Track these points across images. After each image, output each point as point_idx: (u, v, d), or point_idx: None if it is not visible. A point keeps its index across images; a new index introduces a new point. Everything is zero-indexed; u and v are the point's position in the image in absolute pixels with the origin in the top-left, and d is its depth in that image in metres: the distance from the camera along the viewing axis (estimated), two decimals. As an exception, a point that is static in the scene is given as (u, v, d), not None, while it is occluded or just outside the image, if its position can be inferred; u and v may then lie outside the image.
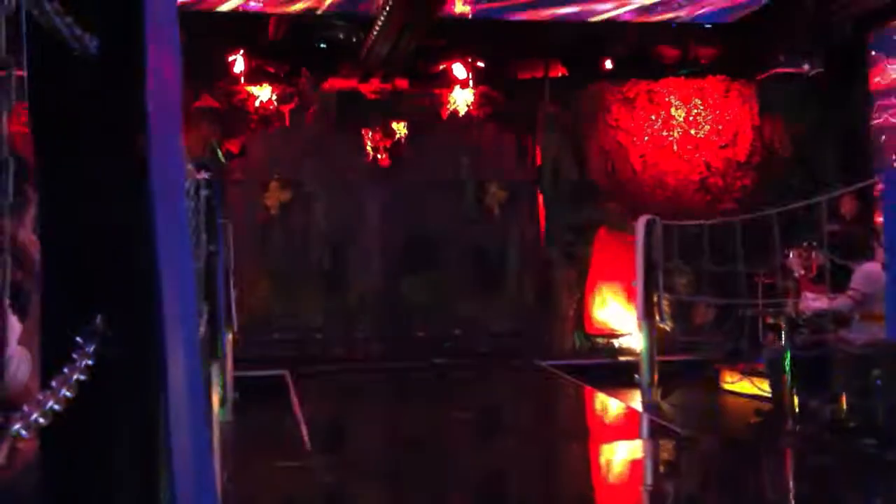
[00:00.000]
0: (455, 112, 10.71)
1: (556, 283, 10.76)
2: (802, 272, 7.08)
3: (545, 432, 7.46)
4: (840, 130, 10.85)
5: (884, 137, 10.25)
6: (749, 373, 8.00)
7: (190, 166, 3.46)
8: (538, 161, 10.81)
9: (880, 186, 6.54)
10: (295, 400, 7.88)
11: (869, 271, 6.26)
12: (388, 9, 8.62)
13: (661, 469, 6.15)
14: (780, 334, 6.84)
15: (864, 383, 6.06)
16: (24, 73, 1.09)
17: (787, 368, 6.47)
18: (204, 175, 3.94)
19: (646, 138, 11.01)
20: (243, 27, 10.11)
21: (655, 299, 7.82)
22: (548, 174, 10.79)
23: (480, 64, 10.65)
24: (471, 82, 10.65)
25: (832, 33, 10.25)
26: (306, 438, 6.41)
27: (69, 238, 1.18)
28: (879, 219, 7.31)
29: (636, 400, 7.83)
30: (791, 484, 5.86)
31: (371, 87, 10.45)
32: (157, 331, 1.18)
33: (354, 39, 9.96)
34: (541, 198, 10.80)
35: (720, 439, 6.76)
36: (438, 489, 5.57)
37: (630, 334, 10.04)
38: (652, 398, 7.68)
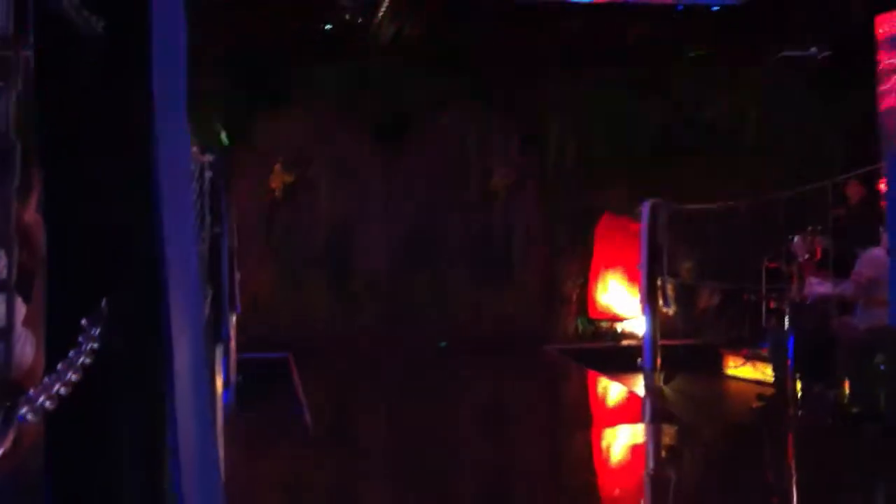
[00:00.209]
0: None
1: (560, 267, 10.74)
2: (807, 257, 7.07)
3: (548, 416, 7.48)
4: (848, 114, 10.79)
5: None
6: (752, 358, 8.00)
7: (195, 148, 3.45)
8: (543, 145, 10.77)
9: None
10: (298, 382, 7.90)
11: (874, 256, 6.23)
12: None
13: (663, 453, 6.16)
14: (784, 319, 6.84)
15: (867, 369, 6.07)
16: (31, 54, 1.08)
17: (791, 354, 6.47)
18: (209, 157, 3.94)
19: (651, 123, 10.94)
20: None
21: (659, 283, 7.81)
22: (552, 159, 10.76)
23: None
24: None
25: (841, 16, 10.18)
26: (309, 421, 6.42)
27: (75, 224, 1.18)
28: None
29: (639, 384, 7.84)
30: (793, 468, 5.87)
31: (375, 69, 10.39)
32: (163, 316, 1.17)
33: (360, 20, 9.90)
34: (545, 182, 10.76)
35: (722, 424, 6.77)
36: (442, 473, 5.58)
37: (634, 318, 10.04)
38: (654, 382, 7.69)
